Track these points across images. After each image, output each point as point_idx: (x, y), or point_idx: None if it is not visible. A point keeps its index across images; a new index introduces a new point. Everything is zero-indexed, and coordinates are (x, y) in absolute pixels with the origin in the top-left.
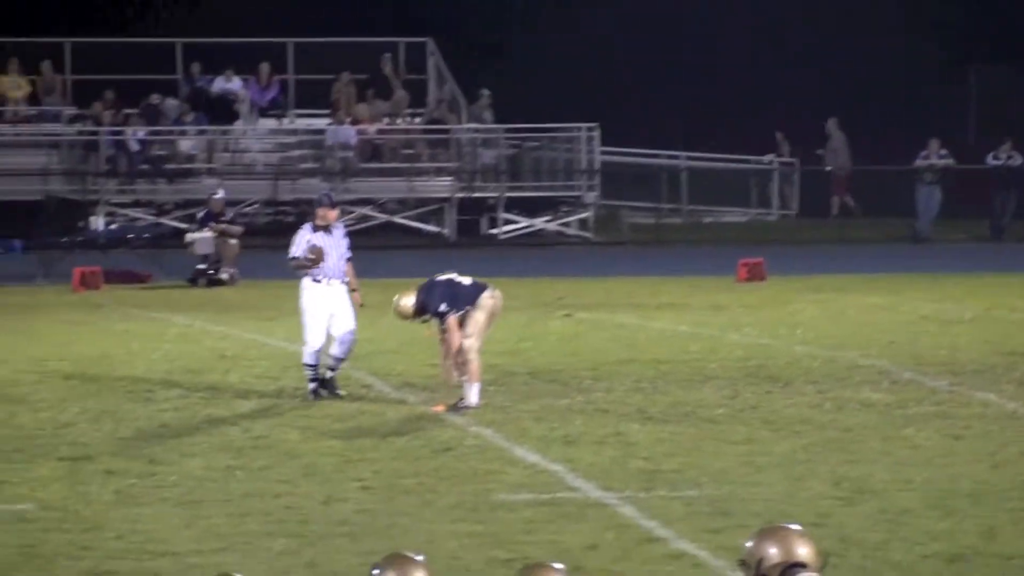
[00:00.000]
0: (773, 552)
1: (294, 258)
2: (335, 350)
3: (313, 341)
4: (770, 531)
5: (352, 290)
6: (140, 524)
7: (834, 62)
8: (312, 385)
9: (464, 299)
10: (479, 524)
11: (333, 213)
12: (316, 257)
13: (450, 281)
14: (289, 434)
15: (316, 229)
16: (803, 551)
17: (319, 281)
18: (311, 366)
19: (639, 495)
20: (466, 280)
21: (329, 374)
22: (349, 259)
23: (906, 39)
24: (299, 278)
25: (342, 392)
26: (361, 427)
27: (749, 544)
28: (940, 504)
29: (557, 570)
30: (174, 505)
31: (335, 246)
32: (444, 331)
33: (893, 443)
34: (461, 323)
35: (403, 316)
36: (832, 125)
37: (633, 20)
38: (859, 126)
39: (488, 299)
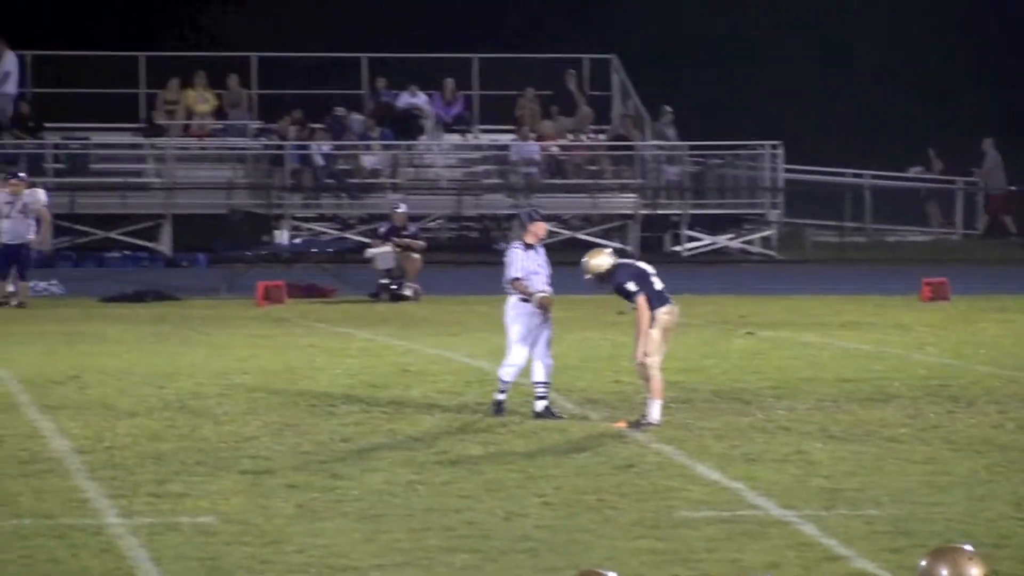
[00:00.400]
0: (944, 573)
1: (516, 279)
2: (541, 375)
3: (516, 358)
4: (941, 552)
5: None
6: (321, 538)
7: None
8: (500, 397)
9: (651, 294)
10: (660, 541)
11: (545, 226)
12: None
13: (646, 271)
14: (471, 449)
15: (526, 248)
16: (973, 572)
17: (528, 300)
18: (505, 382)
19: (820, 513)
20: (658, 283)
21: (542, 404)
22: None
23: None
24: (508, 293)
25: (563, 416)
26: (543, 443)
27: (922, 563)
28: None
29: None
30: (355, 519)
31: (543, 265)
32: (634, 309)
33: None
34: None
35: (588, 271)
36: (988, 144)
37: (814, 40)
38: None
39: (664, 315)
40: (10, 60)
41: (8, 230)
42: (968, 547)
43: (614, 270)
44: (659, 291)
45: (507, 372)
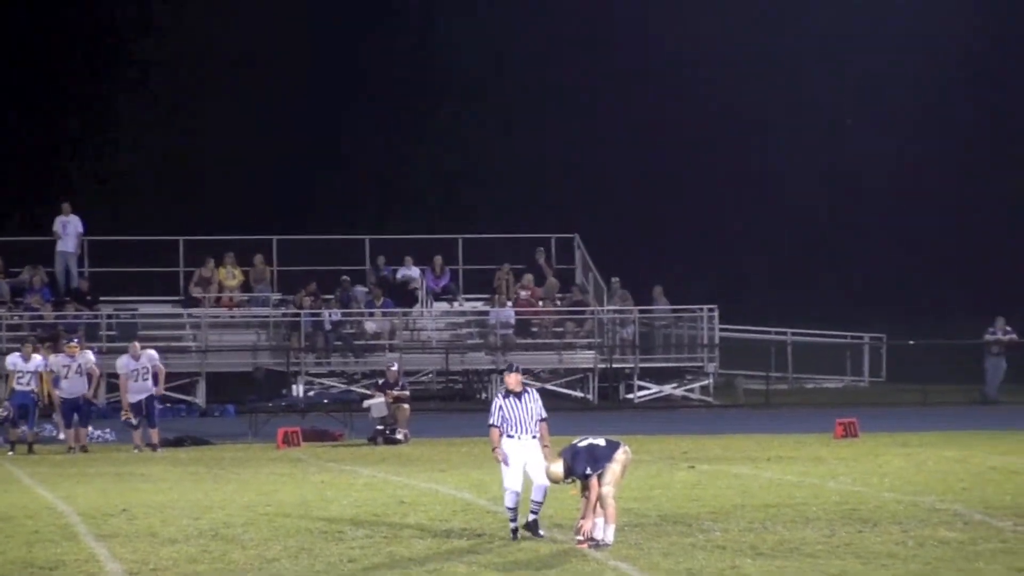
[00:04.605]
0: None
1: (492, 426)
2: (535, 495)
3: (511, 487)
4: None
5: (544, 446)
6: None
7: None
8: (513, 525)
9: (603, 458)
10: None
11: (512, 377)
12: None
13: (590, 446)
14: (457, 568)
15: (507, 395)
16: None
17: (512, 436)
18: (511, 509)
19: None
20: (601, 441)
21: (531, 517)
22: (544, 419)
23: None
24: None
25: (543, 533)
26: (517, 561)
27: None
28: None
29: None
30: None
31: (525, 408)
32: (587, 488)
33: (966, 575)
34: (600, 477)
35: (554, 480)
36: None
37: (742, 225)
38: (939, 307)
39: (621, 454)
40: (76, 221)
41: (67, 388)
42: None
43: (570, 464)
44: (607, 445)
45: (508, 499)
